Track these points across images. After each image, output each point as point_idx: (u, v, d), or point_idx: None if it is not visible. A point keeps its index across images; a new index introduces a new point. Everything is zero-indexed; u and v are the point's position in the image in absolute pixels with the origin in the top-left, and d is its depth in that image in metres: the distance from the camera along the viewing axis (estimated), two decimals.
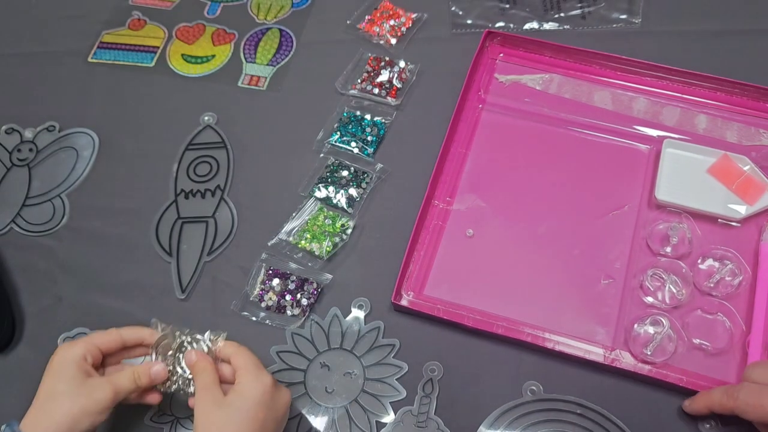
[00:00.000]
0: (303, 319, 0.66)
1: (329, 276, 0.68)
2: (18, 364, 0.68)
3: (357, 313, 0.67)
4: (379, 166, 0.74)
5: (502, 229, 0.69)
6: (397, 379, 0.63)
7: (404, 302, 0.65)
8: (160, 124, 0.81)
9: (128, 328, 0.58)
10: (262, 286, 0.68)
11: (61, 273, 0.72)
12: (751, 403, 0.53)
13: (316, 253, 0.69)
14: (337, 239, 0.70)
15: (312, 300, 0.67)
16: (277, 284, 0.67)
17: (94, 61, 0.87)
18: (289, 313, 0.67)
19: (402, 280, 0.66)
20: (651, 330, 0.63)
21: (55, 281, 0.71)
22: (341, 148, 0.76)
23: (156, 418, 0.63)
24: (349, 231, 0.70)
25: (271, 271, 0.68)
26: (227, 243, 0.72)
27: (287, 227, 0.71)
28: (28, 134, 0.81)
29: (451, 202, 0.71)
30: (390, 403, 0.62)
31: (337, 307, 0.67)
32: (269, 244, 0.70)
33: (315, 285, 0.67)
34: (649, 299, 0.64)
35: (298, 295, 0.67)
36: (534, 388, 0.62)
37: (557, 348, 0.62)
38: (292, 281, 0.68)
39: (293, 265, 0.69)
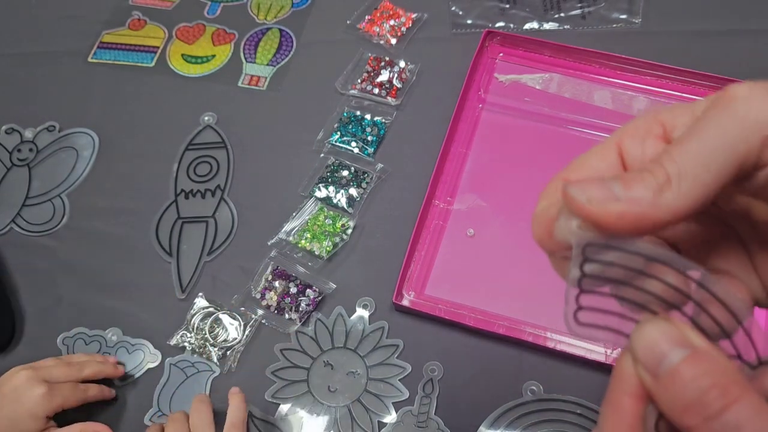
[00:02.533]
0: (299, 324, 0.66)
1: (333, 285, 0.68)
2: (18, 364, 0.67)
3: (361, 313, 0.66)
4: (380, 166, 0.74)
5: (503, 229, 0.69)
6: (400, 380, 0.63)
7: (405, 302, 0.65)
8: (160, 124, 0.81)
9: (94, 387, 0.62)
10: (266, 283, 0.68)
11: (61, 273, 0.72)
12: None
13: (316, 253, 0.69)
14: (337, 239, 0.70)
15: (311, 307, 0.66)
16: (280, 285, 0.67)
17: (94, 61, 0.87)
18: (287, 316, 0.67)
19: (403, 280, 0.66)
20: None
21: (55, 281, 0.71)
22: (341, 148, 0.76)
23: (156, 418, 0.63)
24: (349, 231, 0.70)
25: (277, 270, 0.68)
26: (227, 243, 0.72)
27: (287, 227, 0.71)
28: (28, 134, 0.81)
29: (451, 201, 0.71)
30: (392, 403, 0.62)
31: (341, 306, 0.67)
32: (269, 243, 0.70)
33: (317, 293, 0.67)
34: None
35: (299, 299, 0.67)
36: (534, 387, 0.62)
37: (558, 347, 0.62)
38: (296, 285, 0.67)
39: (301, 269, 0.69)
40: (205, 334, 0.66)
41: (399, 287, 0.65)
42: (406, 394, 0.62)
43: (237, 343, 0.66)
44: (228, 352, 0.65)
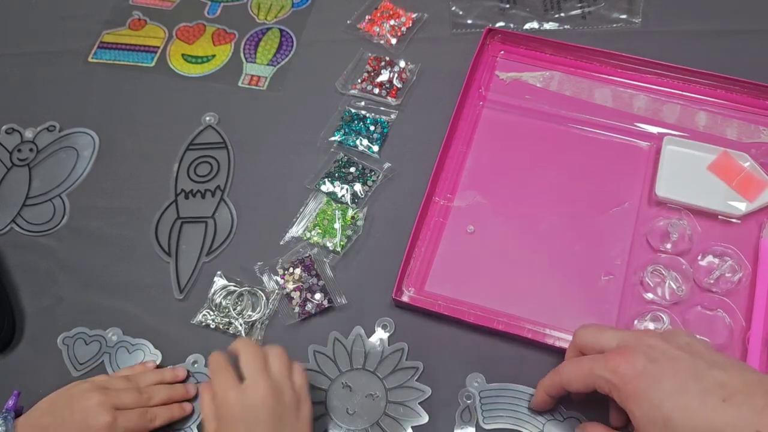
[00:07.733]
0: (296, 320, 0.66)
1: (344, 301, 0.67)
2: (18, 364, 0.67)
3: (380, 334, 0.65)
4: (387, 164, 0.74)
5: (503, 226, 0.69)
6: (419, 403, 0.61)
7: (405, 298, 0.65)
8: (160, 124, 0.81)
9: (162, 415, 0.60)
10: (292, 263, 0.68)
11: (61, 273, 0.72)
12: (574, 372, 0.52)
13: (330, 248, 0.69)
14: (349, 232, 0.69)
15: (314, 311, 0.66)
16: (298, 274, 0.67)
17: (94, 61, 0.87)
18: (292, 306, 0.66)
19: (403, 276, 0.66)
20: (651, 326, 0.62)
21: (55, 281, 0.71)
22: (347, 145, 0.75)
23: None
24: (360, 222, 0.70)
25: (307, 261, 0.68)
26: (226, 244, 0.72)
27: (296, 223, 0.71)
28: (29, 134, 0.81)
29: (451, 198, 0.71)
30: (412, 427, 0.60)
31: (360, 327, 0.66)
32: (281, 243, 0.70)
33: (327, 302, 0.66)
34: (650, 295, 0.64)
35: (309, 295, 0.66)
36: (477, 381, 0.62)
37: (558, 344, 0.62)
38: (313, 283, 0.67)
39: (329, 273, 0.68)
40: (229, 311, 0.67)
41: (399, 283, 0.65)
42: (426, 419, 0.61)
43: (262, 317, 0.66)
44: (253, 327, 0.66)
